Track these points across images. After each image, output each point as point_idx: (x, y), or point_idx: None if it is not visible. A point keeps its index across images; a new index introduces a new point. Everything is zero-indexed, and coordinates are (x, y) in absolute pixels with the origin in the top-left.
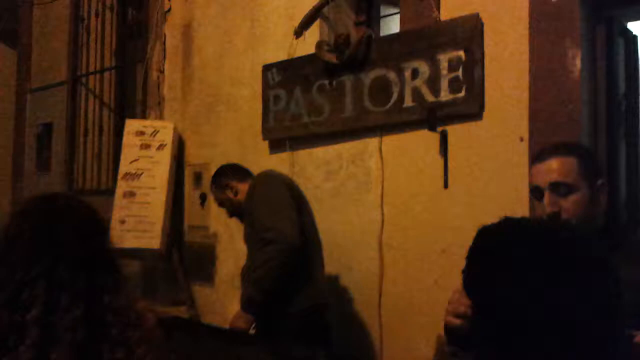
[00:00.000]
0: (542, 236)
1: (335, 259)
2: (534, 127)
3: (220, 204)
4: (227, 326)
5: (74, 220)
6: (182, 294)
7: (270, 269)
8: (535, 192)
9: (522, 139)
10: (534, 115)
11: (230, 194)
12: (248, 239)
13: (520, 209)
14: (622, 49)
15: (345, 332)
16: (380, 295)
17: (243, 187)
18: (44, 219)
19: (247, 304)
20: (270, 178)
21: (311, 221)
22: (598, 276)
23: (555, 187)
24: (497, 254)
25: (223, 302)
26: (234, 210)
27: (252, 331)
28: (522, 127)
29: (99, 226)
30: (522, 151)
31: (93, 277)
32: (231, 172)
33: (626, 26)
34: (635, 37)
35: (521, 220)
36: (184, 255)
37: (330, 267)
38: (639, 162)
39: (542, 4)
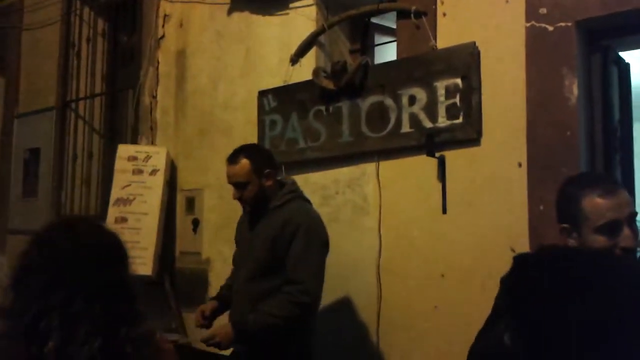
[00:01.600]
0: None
1: (333, 284)
2: (532, 153)
3: (240, 186)
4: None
5: (93, 251)
6: (174, 321)
7: (285, 326)
8: (608, 227)
9: (520, 165)
10: (532, 142)
11: (265, 183)
12: (253, 250)
13: (518, 233)
14: (616, 77)
15: (343, 358)
16: (378, 320)
17: (275, 188)
18: (62, 249)
19: (241, 329)
20: (320, 231)
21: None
22: None
23: (631, 219)
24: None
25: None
26: (256, 199)
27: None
28: (520, 152)
29: (120, 255)
30: (520, 176)
31: (110, 308)
32: (275, 163)
33: (619, 55)
34: (627, 65)
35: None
36: (175, 282)
37: (327, 292)
38: (634, 189)
39: (539, 33)
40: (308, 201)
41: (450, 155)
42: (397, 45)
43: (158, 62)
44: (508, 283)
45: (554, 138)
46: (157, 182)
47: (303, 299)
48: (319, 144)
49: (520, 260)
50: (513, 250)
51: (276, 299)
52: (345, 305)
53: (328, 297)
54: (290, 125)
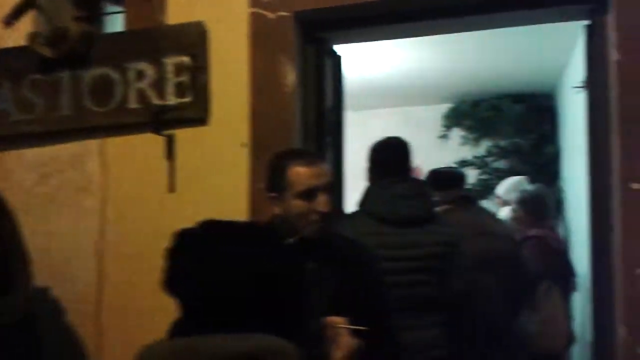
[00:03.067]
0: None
1: (48, 269)
2: (254, 133)
3: None
4: None
5: None
6: None
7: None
8: (306, 193)
9: (243, 145)
10: (254, 123)
11: None
12: None
13: (242, 209)
14: (330, 68)
15: (60, 346)
16: (99, 305)
17: None
18: None
19: None
20: None
21: (12, 227)
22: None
23: (328, 187)
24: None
25: None
26: None
27: None
28: (244, 133)
29: None
30: (244, 156)
31: None
32: None
33: (332, 48)
34: (340, 57)
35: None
36: None
37: (42, 279)
38: (341, 168)
39: (261, 19)
40: None
41: (179, 134)
42: (126, 16)
43: None
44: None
45: (273, 120)
46: None
47: None
48: (35, 117)
49: (179, 234)
50: None
51: None
52: (62, 290)
53: (42, 282)
54: (1, 94)
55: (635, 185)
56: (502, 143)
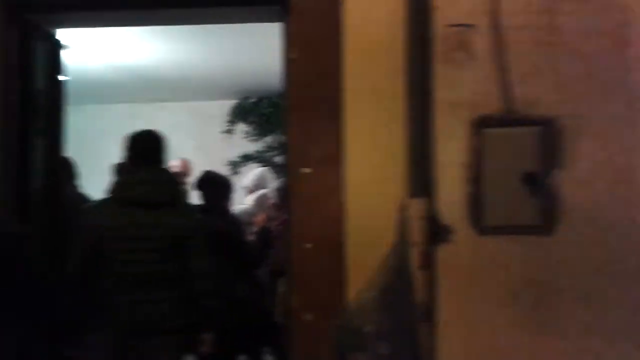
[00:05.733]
0: None
1: None
2: None
3: None
4: None
5: None
6: None
7: None
8: None
9: None
10: None
11: None
12: None
13: None
14: (42, 50)
15: None
16: None
17: None
18: None
19: None
20: None
21: None
22: None
23: None
24: None
25: None
26: None
27: None
28: None
29: None
30: None
31: None
32: None
33: (49, 31)
34: (57, 40)
35: None
36: None
37: None
38: (57, 154)
39: None
40: None
41: None
42: None
43: None
44: None
45: None
46: None
47: None
48: None
49: None
50: None
51: None
52: None
53: None
54: None
55: (305, 170)
56: (283, 139)
